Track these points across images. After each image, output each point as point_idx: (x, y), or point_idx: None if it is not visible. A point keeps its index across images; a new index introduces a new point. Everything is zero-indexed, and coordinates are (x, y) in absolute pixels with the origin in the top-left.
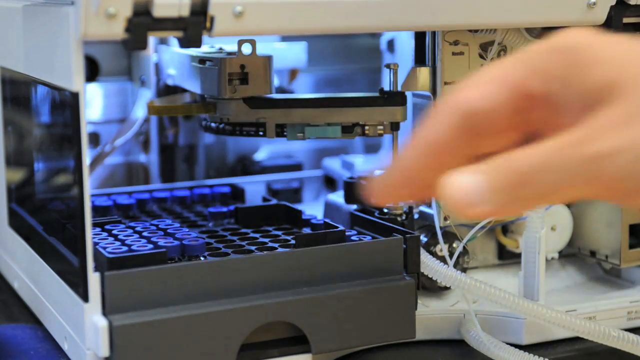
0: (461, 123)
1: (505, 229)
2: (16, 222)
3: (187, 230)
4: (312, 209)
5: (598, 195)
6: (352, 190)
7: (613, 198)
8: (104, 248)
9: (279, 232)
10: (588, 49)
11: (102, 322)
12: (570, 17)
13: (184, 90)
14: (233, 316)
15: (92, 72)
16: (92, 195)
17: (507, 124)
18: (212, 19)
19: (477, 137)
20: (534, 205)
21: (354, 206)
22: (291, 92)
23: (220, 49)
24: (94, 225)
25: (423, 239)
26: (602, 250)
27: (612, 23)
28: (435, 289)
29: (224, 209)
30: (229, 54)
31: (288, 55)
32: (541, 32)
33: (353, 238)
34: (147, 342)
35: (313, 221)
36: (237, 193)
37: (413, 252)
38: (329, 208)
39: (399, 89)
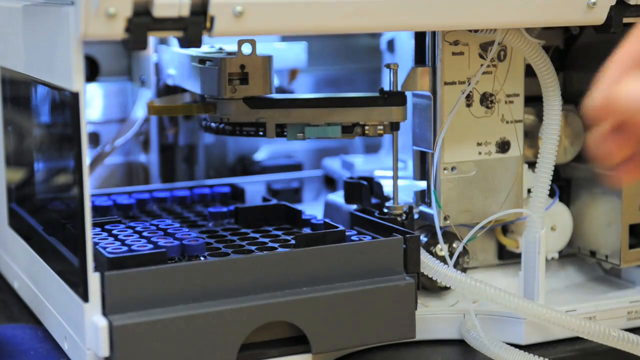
0: None
1: (505, 229)
2: (16, 222)
3: (187, 230)
4: (312, 209)
5: None
6: (352, 190)
7: None
8: (104, 248)
9: (279, 232)
10: None
11: (102, 322)
12: (570, 17)
13: (184, 90)
14: (233, 316)
15: (92, 72)
16: (92, 195)
17: None
18: (212, 19)
19: None
20: None
21: (354, 206)
22: (291, 92)
23: (220, 49)
24: (94, 225)
25: (423, 239)
26: (602, 250)
27: (612, 23)
28: (435, 289)
29: (224, 209)
30: (229, 54)
31: (288, 55)
32: (541, 32)
33: (353, 238)
34: (147, 342)
35: (313, 221)
36: (237, 193)
37: (413, 252)
38: (329, 208)
39: (399, 89)
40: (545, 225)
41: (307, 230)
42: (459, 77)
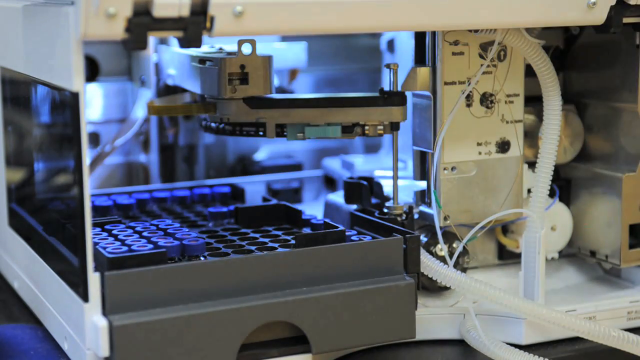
0: None
1: (505, 229)
2: (16, 222)
3: (187, 230)
4: (312, 209)
5: None
6: (352, 190)
7: None
8: (104, 248)
9: (279, 232)
10: None
11: (102, 322)
12: (570, 17)
13: (184, 90)
14: (233, 316)
15: (92, 72)
16: (92, 195)
17: None
18: (212, 19)
19: None
20: None
21: (354, 206)
22: (291, 92)
23: (220, 49)
24: (94, 225)
25: (423, 239)
26: (602, 250)
27: (612, 23)
28: (435, 289)
29: (224, 209)
30: (229, 54)
31: (288, 55)
32: (541, 32)
33: (353, 238)
34: (147, 342)
35: (313, 221)
36: (237, 193)
37: (413, 252)
38: (329, 208)
39: (399, 89)
40: (545, 225)
41: (307, 230)
42: (459, 77)
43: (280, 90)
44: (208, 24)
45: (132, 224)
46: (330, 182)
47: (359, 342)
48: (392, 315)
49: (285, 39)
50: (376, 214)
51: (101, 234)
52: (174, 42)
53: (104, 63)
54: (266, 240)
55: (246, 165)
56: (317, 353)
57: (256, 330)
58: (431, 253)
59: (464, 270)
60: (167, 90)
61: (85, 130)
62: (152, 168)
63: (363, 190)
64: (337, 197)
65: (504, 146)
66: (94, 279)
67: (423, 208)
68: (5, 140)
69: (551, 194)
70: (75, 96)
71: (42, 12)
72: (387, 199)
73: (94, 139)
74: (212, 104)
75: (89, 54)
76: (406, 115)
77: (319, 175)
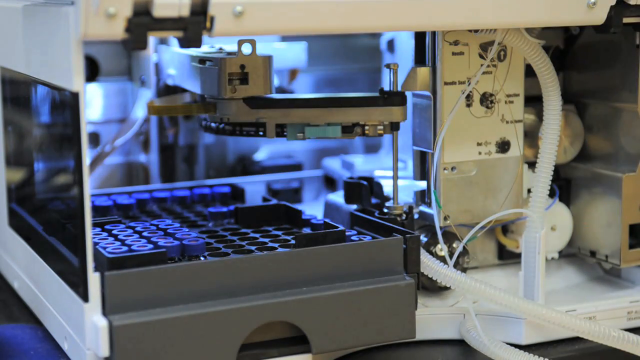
0: None
1: (505, 229)
2: (16, 222)
3: (187, 230)
4: (312, 209)
5: None
6: (352, 190)
7: None
8: (104, 248)
9: (279, 232)
10: None
11: (102, 322)
12: (570, 17)
13: (184, 90)
14: (233, 316)
15: (92, 72)
16: (92, 195)
17: None
18: (212, 19)
19: None
20: None
21: (354, 206)
22: (291, 92)
23: (220, 49)
24: (94, 225)
25: (423, 239)
26: (602, 250)
27: (612, 23)
28: (435, 289)
29: (224, 209)
30: (229, 54)
31: (288, 55)
32: (541, 32)
33: (353, 238)
34: (147, 342)
35: (313, 221)
36: (237, 193)
37: (413, 252)
38: (329, 208)
39: (399, 89)
40: (545, 225)
41: (307, 230)
42: (459, 77)
43: (280, 90)
44: (208, 24)
45: (132, 224)
46: (330, 182)
47: (359, 342)
48: (392, 315)
49: (285, 39)
50: (376, 214)
51: (101, 234)
52: (174, 42)
53: (104, 63)
54: (266, 240)
55: (246, 165)
56: (317, 353)
57: (256, 330)
58: (431, 253)
59: (464, 270)
60: (167, 90)
61: (85, 130)
62: (152, 168)
63: (363, 190)
64: (337, 197)
65: (504, 146)
66: (94, 279)
67: (423, 208)
68: (5, 140)
69: (551, 194)
70: (75, 96)
71: (42, 12)
72: (387, 199)
73: (94, 139)
74: (212, 104)
75: (89, 54)
76: (406, 115)
77: (319, 175)
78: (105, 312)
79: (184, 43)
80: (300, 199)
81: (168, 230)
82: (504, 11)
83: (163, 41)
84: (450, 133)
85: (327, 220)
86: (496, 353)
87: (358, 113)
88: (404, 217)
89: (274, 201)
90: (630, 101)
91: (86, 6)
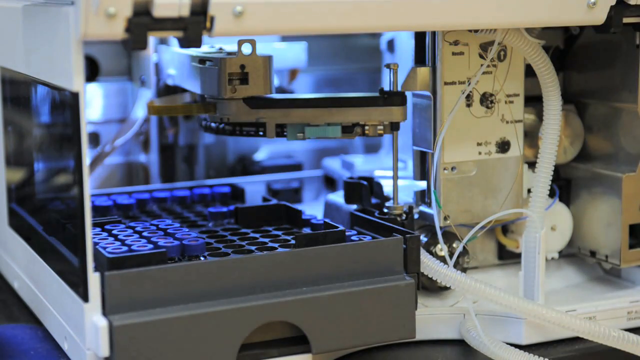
0: None
1: (505, 229)
2: (16, 222)
3: (187, 230)
4: (312, 209)
5: None
6: (352, 190)
7: None
8: (104, 248)
9: (279, 232)
10: None
11: (102, 322)
12: (570, 17)
13: (184, 90)
14: (233, 316)
15: (92, 72)
16: (92, 195)
17: None
18: (212, 19)
19: None
20: None
21: (354, 206)
22: (291, 92)
23: (220, 49)
24: (94, 225)
25: (423, 239)
26: (602, 250)
27: (612, 23)
28: (435, 289)
29: (224, 209)
30: (229, 54)
31: (288, 55)
32: (541, 32)
33: (353, 238)
34: (147, 342)
35: (313, 221)
36: (237, 193)
37: (413, 252)
38: (329, 208)
39: (399, 89)
40: (545, 225)
41: (307, 230)
42: (459, 77)
43: (280, 90)
44: (208, 24)
45: (132, 224)
46: (330, 182)
47: (359, 342)
48: (392, 315)
49: (285, 39)
50: (376, 214)
51: (101, 234)
52: (174, 42)
53: (104, 63)
54: (266, 240)
55: (246, 165)
56: (317, 353)
57: (256, 330)
58: (431, 253)
59: (464, 270)
60: (167, 90)
61: (85, 130)
62: (152, 168)
63: (363, 190)
64: (337, 197)
65: (504, 146)
66: (94, 279)
67: (423, 208)
68: (5, 140)
69: (551, 194)
70: (75, 96)
71: (42, 12)
72: (387, 199)
73: (94, 139)
74: (212, 104)
75: (89, 54)
76: (406, 115)
77: (319, 175)
78: (105, 312)
79: (184, 43)
80: (300, 199)
81: (168, 230)
82: (504, 11)
83: (163, 41)
84: (450, 133)
85: (327, 220)
86: (496, 353)
87: (358, 113)
88: (404, 217)
89: (274, 201)
90: (630, 101)
91: (86, 6)
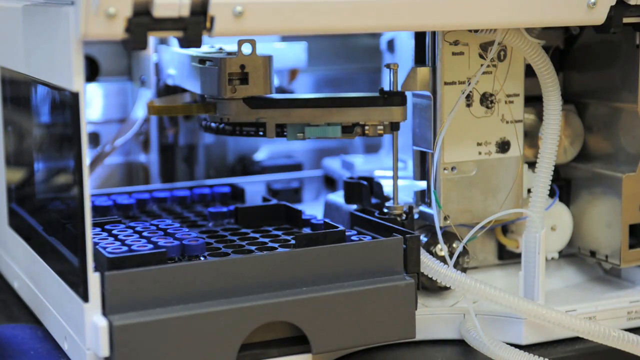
0: None
1: (505, 229)
2: (16, 222)
3: (187, 230)
4: (312, 209)
5: None
6: (352, 190)
7: None
8: (104, 248)
9: (279, 232)
10: None
11: (102, 322)
12: (570, 17)
13: (184, 90)
14: (233, 316)
15: (92, 72)
16: (92, 195)
17: None
18: (212, 19)
19: None
20: None
21: (354, 206)
22: (291, 92)
23: (220, 49)
24: (94, 225)
25: (423, 239)
26: (602, 250)
27: (612, 23)
28: (435, 289)
29: (224, 209)
30: (229, 54)
31: (288, 55)
32: (541, 32)
33: (353, 238)
34: (147, 342)
35: (313, 221)
36: (237, 193)
37: (413, 252)
38: (329, 208)
39: (399, 89)
40: (545, 225)
41: (307, 230)
42: (459, 77)
43: (280, 90)
44: (208, 24)
45: (132, 224)
46: (330, 182)
47: (359, 342)
48: (392, 315)
49: (285, 39)
50: (376, 214)
51: (101, 234)
52: (174, 42)
53: (104, 63)
54: (266, 240)
55: (246, 165)
56: (317, 353)
57: (256, 330)
58: (431, 253)
59: (464, 270)
60: (167, 90)
61: (85, 130)
62: (152, 168)
63: (363, 190)
64: (337, 197)
65: (504, 146)
66: (94, 279)
67: (423, 208)
68: (5, 140)
69: (551, 194)
70: (75, 96)
71: (42, 12)
72: (387, 199)
73: (94, 139)
74: (212, 104)
75: (89, 54)
76: (406, 115)
77: (319, 175)
78: (105, 312)
79: (184, 43)
80: (300, 199)
81: (168, 230)
82: (504, 11)
83: (163, 41)
84: (450, 133)
85: (327, 220)
86: (496, 353)
87: (358, 113)
88: (404, 217)
89: (274, 201)
90: (630, 101)
91: (86, 6)
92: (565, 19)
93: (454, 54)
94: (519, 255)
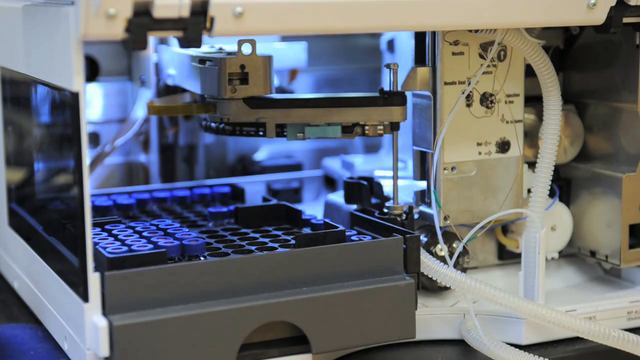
0: None
1: (505, 229)
2: (16, 222)
3: (187, 230)
4: (312, 209)
5: None
6: (352, 190)
7: None
8: (104, 248)
9: (279, 232)
10: None
11: (102, 322)
12: (571, 17)
13: (184, 90)
14: (233, 316)
15: (92, 72)
16: (92, 195)
17: None
18: (212, 19)
19: None
20: None
21: (354, 206)
22: (291, 92)
23: (220, 49)
24: (94, 225)
25: (423, 239)
26: (602, 250)
27: (612, 23)
28: (435, 289)
29: (224, 209)
30: (229, 54)
31: (288, 55)
32: (541, 32)
33: (353, 238)
34: (147, 342)
35: (313, 221)
36: (237, 193)
37: (413, 252)
38: (329, 208)
39: (399, 89)
40: (545, 225)
41: (307, 230)
42: (459, 77)
43: (280, 90)
44: (208, 24)
45: (132, 224)
46: (330, 182)
47: (359, 342)
48: (392, 315)
49: (285, 39)
50: (376, 214)
51: (101, 234)
52: (174, 42)
53: (104, 63)
54: (266, 240)
55: (246, 165)
56: (317, 353)
57: (256, 330)
58: (431, 253)
59: (464, 270)
60: (167, 90)
61: (85, 130)
62: (152, 168)
63: (363, 190)
64: (337, 197)
65: (504, 146)
66: (94, 279)
67: (423, 208)
68: (5, 140)
69: (551, 194)
70: (75, 96)
71: (42, 12)
72: (387, 199)
73: (94, 139)
74: (212, 104)
75: (89, 54)
76: (406, 115)
77: (319, 175)
78: (105, 312)
79: (184, 43)
80: (300, 199)
81: (168, 230)
82: (504, 11)
83: (163, 41)
84: (450, 133)
85: (327, 220)
86: (496, 353)
87: (358, 113)
88: (404, 217)
89: (274, 201)
90: (630, 101)
91: (86, 6)
92: (565, 19)
93: (454, 54)
94: (519, 255)
